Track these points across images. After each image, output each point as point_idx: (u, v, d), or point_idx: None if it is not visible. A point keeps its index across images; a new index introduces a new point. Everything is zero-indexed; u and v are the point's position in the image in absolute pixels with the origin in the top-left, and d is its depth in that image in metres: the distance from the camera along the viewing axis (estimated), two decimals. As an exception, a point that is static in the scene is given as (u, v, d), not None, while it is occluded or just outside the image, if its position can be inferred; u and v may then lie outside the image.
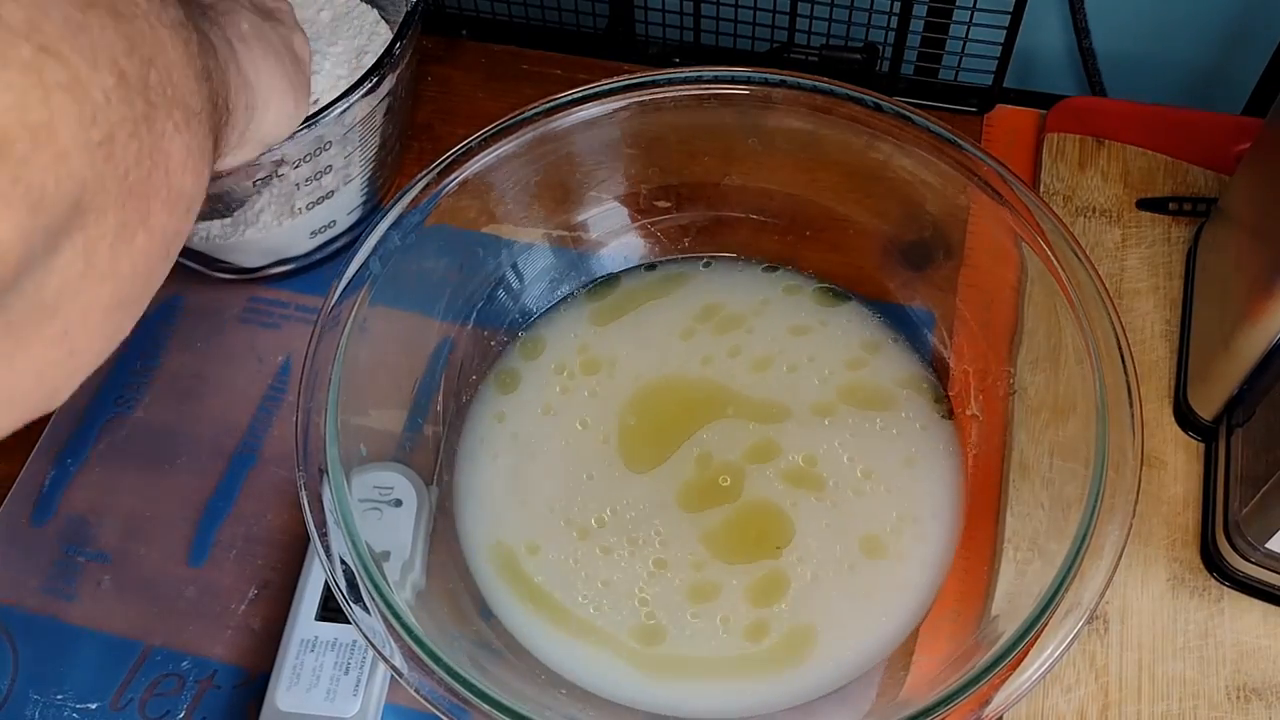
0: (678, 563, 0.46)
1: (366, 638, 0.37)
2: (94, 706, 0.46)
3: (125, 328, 0.27)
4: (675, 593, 0.45)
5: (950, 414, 0.49)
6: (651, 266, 0.54)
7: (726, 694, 0.43)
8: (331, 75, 0.53)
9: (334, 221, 0.54)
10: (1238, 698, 0.43)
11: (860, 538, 0.46)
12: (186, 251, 0.52)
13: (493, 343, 0.51)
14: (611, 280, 0.53)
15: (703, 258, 0.53)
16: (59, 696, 0.46)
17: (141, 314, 0.28)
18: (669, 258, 0.54)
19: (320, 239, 0.54)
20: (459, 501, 0.47)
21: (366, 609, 0.37)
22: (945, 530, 0.46)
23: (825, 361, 0.50)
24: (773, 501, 0.47)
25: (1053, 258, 0.43)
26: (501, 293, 0.52)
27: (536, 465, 0.48)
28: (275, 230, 0.51)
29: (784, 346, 0.51)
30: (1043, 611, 0.37)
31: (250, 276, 0.56)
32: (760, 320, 0.51)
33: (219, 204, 0.49)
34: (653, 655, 0.44)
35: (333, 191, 0.52)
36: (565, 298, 0.53)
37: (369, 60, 0.53)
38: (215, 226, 0.50)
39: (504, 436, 0.49)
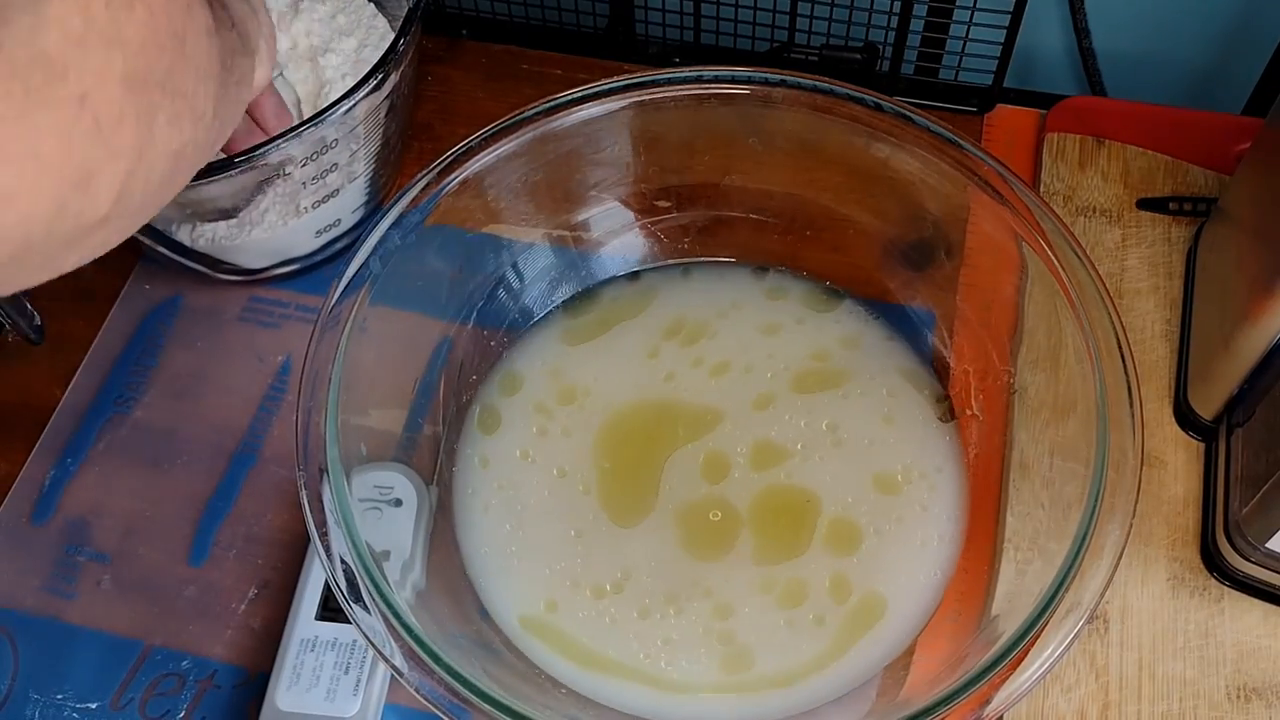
0: (745, 591, 0.45)
1: (367, 637, 0.37)
2: (94, 706, 0.46)
3: (149, 117, 0.28)
4: (764, 613, 0.45)
5: (951, 415, 0.49)
6: (635, 276, 0.53)
7: (813, 687, 0.43)
8: (338, 71, 0.53)
9: (338, 220, 0.54)
10: (1238, 697, 0.43)
11: (873, 476, 0.47)
12: (190, 253, 0.52)
13: (492, 342, 0.51)
14: (590, 293, 0.53)
15: (684, 264, 0.53)
16: (59, 696, 0.46)
17: (167, 113, 0.28)
18: (652, 265, 0.53)
19: (325, 238, 0.54)
20: (468, 562, 0.47)
21: (366, 608, 0.37)
22: (953, 484, 0.47)
23: (783, 358, 0.50)
24: (772, 488, 0.47)
25: (1053, 257, 0.43)
26: (502, 292, 0.52)
27: (527, 519, 0.47)
28: (280, 230, 0.51)
29: (746, 347, 0.51)
30: (1043, 611, 0.37)
31: (254, 278, 0.56)
32: (726, 323, 0.51)
33: (225, 204, 0.50)
34: (744, 679, 0.44)
35: (337, 190, 0.52)
36: (542, 317, 0.52)
37: (368, 55, 0.53)
38: (221, 227, 0.50)
39: (490, 486, 0.48)
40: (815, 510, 0.46)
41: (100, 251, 0.29)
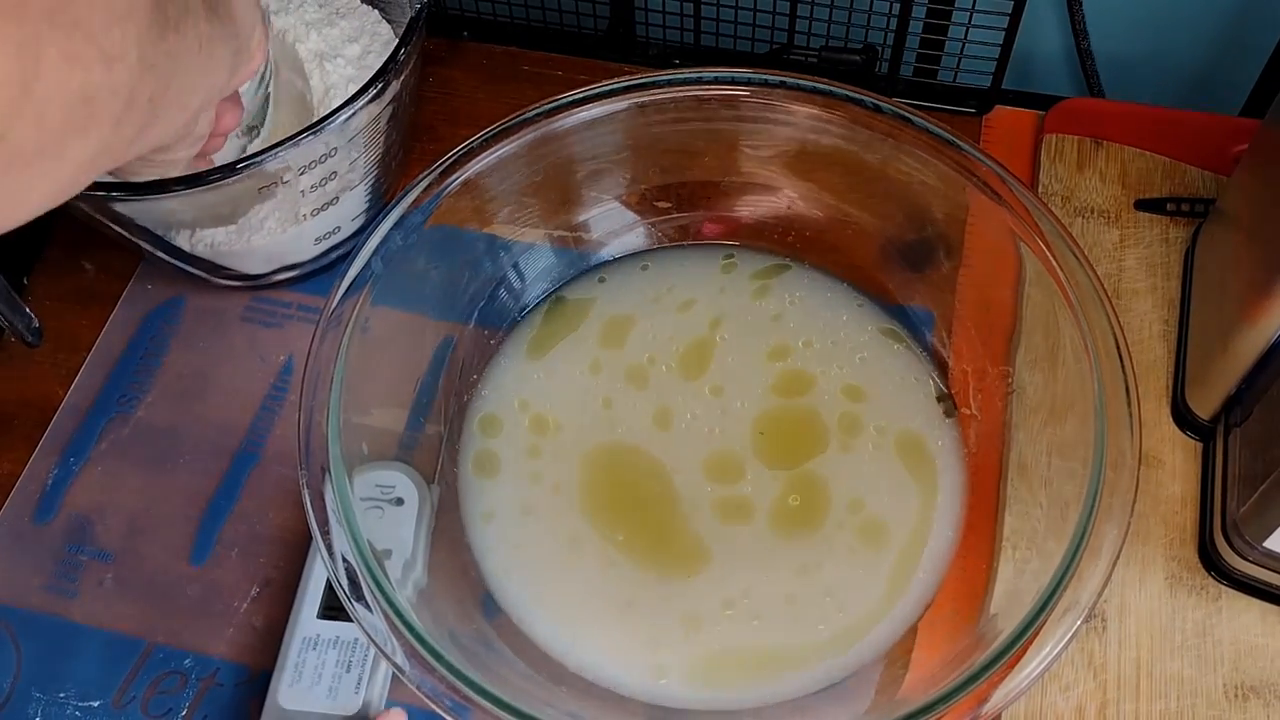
0: (849, 478, 0.47)
1: (369, 635, 0.37)
2: (96, 704, 0.46)
3: (34, 49, 0.25)
4: (872, 474, 0.47)
5: (953, 412, 0.49)
6: (602, 278, 0.53)
7: (930, 556, 0.46)
8: (343, 78, 0.53)
9: (338, 228, 0.54)
10: (1235, 696, 0.44)
11: (766, 352, 0.51)
12: (189, 258, 0.52)
13: (493, 341, 0.52)
14: (562, 292, 0.53)
15: (643, 258, 0.54)
16: (61, 694, 0.46)
17: (60, 49, 0.26)
18: (618, 256, 0.54)
19: (324, 245, 0.54)
20: (525, 626, 0.45)
21: (369, 607, 0.37)
22: (952, 483, 0.48)
23: (681, 338, 0.50)
24: (760, 452, 0.48)
25: (1051, 258, 0.43)
26: (503, 292, 0.52)
27: (570, 591, 0.46)
28: (280, 237, 0.51)
29: (656, 334, 0.51)
30: (1041, 610, 0.37)
31: (254, 285, 0.56)
32: (654, 308, 0.52)
33: (224, 210, 0.50)
34: (900, 565, 0.46)
35: (337, 197, 0.52)
36: (513, 325, 0.52)
37: (372, 61, 0.53)
38: (220, 234, 0.50)
39: (505, 544, 0.47)
40: (770, 421, 0.49)
41: (24, 204, 0.27)
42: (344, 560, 0.38)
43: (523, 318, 0.52)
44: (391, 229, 0.45)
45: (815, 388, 0.49)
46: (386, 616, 0.37)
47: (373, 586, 0.38)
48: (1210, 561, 0.46)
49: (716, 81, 0.48)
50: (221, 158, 0.47)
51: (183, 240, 0.51)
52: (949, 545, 0.46)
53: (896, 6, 0.57)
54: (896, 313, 0.51)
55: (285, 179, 0.48)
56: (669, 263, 0.54)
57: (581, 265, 0.54)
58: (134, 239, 0.51)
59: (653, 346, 0.51)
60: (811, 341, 0.50)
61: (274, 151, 0.45)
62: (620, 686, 0.44)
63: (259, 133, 0.50)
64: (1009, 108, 0.60)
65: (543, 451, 0.49)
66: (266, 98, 0.50)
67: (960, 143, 0.46)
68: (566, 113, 0.48)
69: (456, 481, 0.48)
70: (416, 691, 0.36)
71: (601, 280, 0.53)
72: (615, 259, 0.54)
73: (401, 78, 0.49)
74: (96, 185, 0.47)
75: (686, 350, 0.51)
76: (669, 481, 0.48)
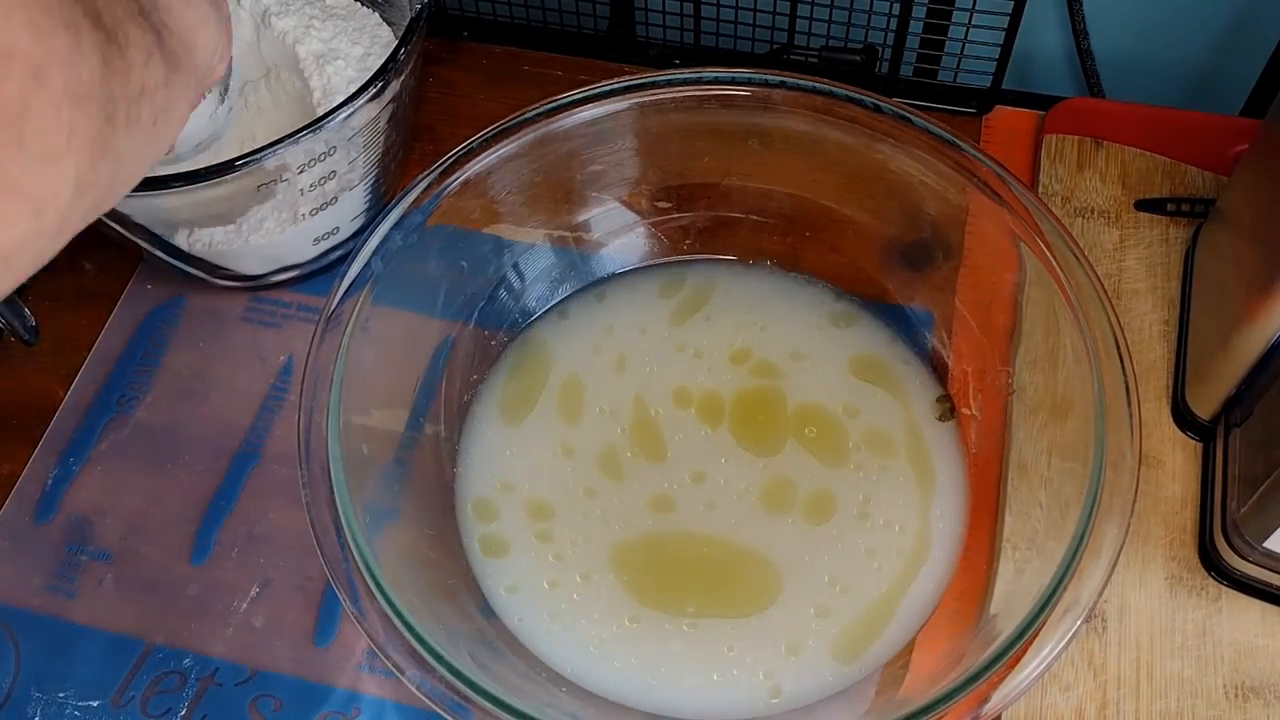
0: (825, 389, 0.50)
1: (368, 636, 0.37)
2: (96, 704, 0.46)
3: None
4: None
5: (952, 413, 0.49)
6: (564, 311, 0.53)
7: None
8: (343, 79, 0.53)
9: (337, 228, 0.54)
10: (1236, 696, 0.44)
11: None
12: (188, 258, 0.52)
13: (493, 342, 0.52)
14: (529, 333, 0.52)
15: (602, 288, 0.53)
16: (61, 694, 0.46)
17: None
18: (581, 287, 0.53)
19: (323, 246, 0.54)
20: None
21: (366, 609, 0.38)
22: (953, 484, 0.48)
23: (622, 394, 0.50)
24: (756, 444, 0.49)
25: (1051, 258, 0.43)
26: (503, 292, 0.52)
27: (649, 659, 0.44)
28: (278, 237, 0.51)
29: (605, 404, 0.50)
30: (1041, 610, 0.37)
31: (252, 285, 0.56)
32: (596, 360, 0.51)
33: (221, 210, 0.50)
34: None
35: (336, 198, 0.51)
36: (483, 381, 0.51)
37: (373, 63, 0.53)
38: (218, 233, 0.50)
39: (539, 614, 0.45)
40: (737, 423, 0.50)
41: None
42: (344, 560, 0.38)
43: (496, 361, 0.52)
44: (391, 229, 0.45)
45: (759, 379, 0.50)
46: (386, 617, 0.37)
47: (372, 585, 0.38)
48: (1210, 561, 0.46)
49: (716, 81, 0.48)
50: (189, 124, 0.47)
51: (181, 239, 0.51)
52: (955, 543, 0.46)
53: (896, 6, 0.57)
54: (897, 313, 0.51)
55: (284, 177, 0.48)
56: (620, 292, 0.53)
57: (584, 266, 0.54)
58: (132, 238, 0.51)
59: (604, 428, 0.49)
60: (732, 341, 0.51)
61: (273, 149, 0.45)
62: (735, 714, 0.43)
63: (225, 97, 0.50)
64: (1009, 108, 0.60)
65: (553, 536, 0.47)
66: (230, 60, 0.49)
67: (960, 143, 0.46)
68: (567, 113, 0.48)
69: (467, 561, 0.47)
70: (416, 692, 0.36)
71: (563, 316, 0.53)
72: (573, 293, 0.53)
73: (401, 78, 0.49)
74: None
75: (633, 430, 0.49)
76: (724, 546, 0.46)
